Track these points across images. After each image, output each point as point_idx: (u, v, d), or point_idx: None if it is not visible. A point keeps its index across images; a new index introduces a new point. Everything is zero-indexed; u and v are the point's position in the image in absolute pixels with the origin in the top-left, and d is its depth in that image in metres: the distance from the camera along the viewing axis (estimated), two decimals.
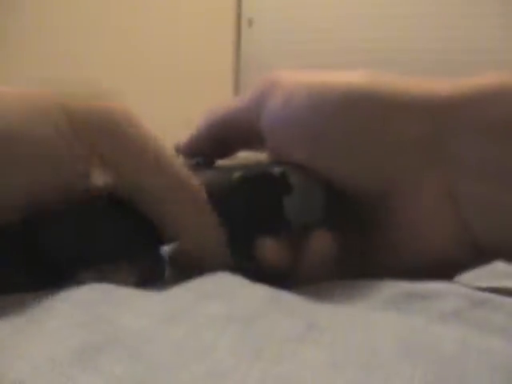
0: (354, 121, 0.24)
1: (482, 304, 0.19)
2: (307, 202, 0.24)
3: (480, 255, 0.24)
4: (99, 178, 0.21)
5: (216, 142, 0.28)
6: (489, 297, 0.20)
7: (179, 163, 0.23)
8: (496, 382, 0.13)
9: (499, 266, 0.30)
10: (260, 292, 0.19)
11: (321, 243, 0.24)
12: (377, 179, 0.24)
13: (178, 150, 0.29)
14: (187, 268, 0.22)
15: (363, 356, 0.14)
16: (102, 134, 0.21)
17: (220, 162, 0.28)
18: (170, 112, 1.98)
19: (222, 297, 0.18)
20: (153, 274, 0.24)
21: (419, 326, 0.17)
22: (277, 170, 0.24)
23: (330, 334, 0.16)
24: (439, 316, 0.19)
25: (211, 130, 0.28)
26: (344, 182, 0.25)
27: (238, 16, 2.06)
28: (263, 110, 0.25)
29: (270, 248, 0.23)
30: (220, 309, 0.17)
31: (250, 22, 2.04)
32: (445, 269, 0.24)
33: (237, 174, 0.24)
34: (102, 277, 0.21)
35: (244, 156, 0.30)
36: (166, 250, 0.24)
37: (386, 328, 0.16)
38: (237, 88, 2.04)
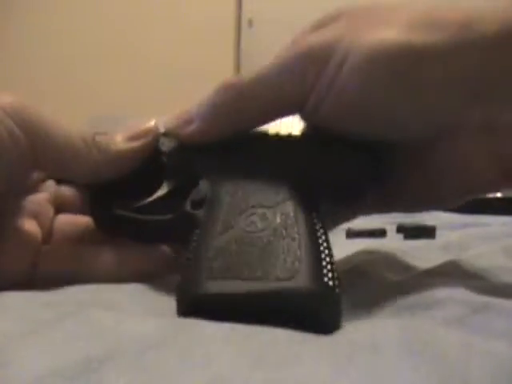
0: (399, 69, 0.24)
1: (483, 310, 0.20)
2: None
3: (509, 181, 0.26)
4: None
5: None
6: (489, 302, 0.20)
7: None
8: None
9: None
10: None
11: None
12: (430, 123, 0.25)
13: None
14: None
15: (366, 358, 0.14)
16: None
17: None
18: (169, 112, 1.98)
19: None
20: None
21: (423, 329, 0.17)
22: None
23: (332, 338, 0.16)
24: (442, 322, 0.19)
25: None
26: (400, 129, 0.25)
27: (239, 17, 2.06)
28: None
29: None
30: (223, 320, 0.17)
31: (250, 23, 2.04)
32: (478, 189, 0.27)
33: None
34: None
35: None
36: None
37: (390, 330, 0.16)
38: None
